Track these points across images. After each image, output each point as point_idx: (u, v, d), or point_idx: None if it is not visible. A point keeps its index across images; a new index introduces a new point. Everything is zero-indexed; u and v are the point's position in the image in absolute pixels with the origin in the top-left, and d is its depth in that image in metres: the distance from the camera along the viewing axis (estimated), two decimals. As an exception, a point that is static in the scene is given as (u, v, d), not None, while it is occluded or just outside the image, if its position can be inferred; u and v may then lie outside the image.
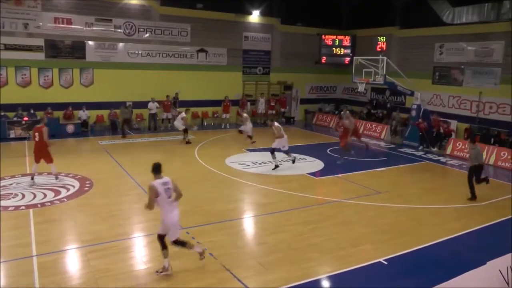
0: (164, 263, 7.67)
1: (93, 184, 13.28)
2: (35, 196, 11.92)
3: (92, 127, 22.96)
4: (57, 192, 12.27)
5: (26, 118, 20.60)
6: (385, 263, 8.44)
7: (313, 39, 28.39)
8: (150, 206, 7.29)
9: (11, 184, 12.91)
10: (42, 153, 13.31)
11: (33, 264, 7.93)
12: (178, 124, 19.83)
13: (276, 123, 15.74)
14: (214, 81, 25.78)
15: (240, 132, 20.25)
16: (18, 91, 21.32)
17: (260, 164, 16.32)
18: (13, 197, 11.70)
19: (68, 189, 12.63)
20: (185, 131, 19.87)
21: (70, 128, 21.65)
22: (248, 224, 10.90)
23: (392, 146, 21.66)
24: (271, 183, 13.90)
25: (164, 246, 7.59)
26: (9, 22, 20.89)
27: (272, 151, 15.43)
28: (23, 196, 11.89)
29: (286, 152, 15.91)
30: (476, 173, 12.36)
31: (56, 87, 22.24)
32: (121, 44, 23.28)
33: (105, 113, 23.10)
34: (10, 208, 10.91)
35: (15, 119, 20.54)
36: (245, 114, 20.83)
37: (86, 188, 12.93)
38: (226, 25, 25.83)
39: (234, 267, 8.06)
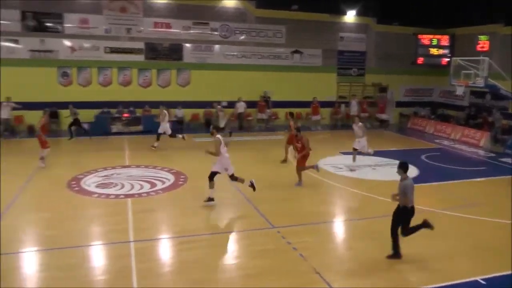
0: (210, 194, 10.74)
1: (187, 179, 13.89)
2: (133, 186, 12.80)
3: (188, 125, 23.67)
4: (153, 184, 13.03)
5: (126, 115, 22.18)
6: (483, 282, 7.77)
7: (409, 39, 27.22)
8: (218, 152, 10.70)
9: (112, 175, 13.99)
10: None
11: (130, 249, 8.53)
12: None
13: (360, 123, 15.62)
14: (308, 82, 25.65)
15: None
16: (119, 90, 23.03)
17: (354, 167, 15.93)
18: (114, 186, 12.73)
19: (163, 182, 13.34)
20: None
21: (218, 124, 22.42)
22: (338, 227, 10.79)
23: (492, 155, 19.95)
24: (362, 188, 13.53)
25: (212, 180, 10.76)
26: (114, 27, 22.54)
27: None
28: (123, 186, 12.83)
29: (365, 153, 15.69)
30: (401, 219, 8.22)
31: (154, 87, 23.62)
32: (217, 46, 24.00)
33: (200, 111, 23.77)
34: (111, 196, 11.92)
35: (116, 115, 22.20)
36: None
37: (181, 182, 13.56)
38: (321, 26, 25.65)
39: (323, 270, 7.95)
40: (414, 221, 8.33)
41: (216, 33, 23.80)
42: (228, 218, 10.98)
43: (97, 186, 12.76)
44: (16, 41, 21.78)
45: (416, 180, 14.29)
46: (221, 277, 7.71)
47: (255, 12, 24.22)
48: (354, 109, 26.08)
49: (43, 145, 14.99)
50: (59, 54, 22.33)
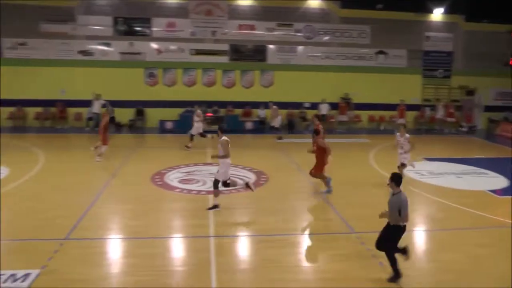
0: (215, 201, 10.34)
1: (268, 179, 13.64)
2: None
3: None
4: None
5: (209, 114, 22.33)
6: None
7: (501, 37, 25.79)
8: (228, 153, 10.14)
9: (194, 171, 14.23)
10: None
11: (209, 244, 8.61)
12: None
13: (407, 134, 12.96)
14: (391, 84, 24.87)
15: None
16: (203, 90, 23.50)
17: (437, 174, 14.89)
18: (195, 183, 12.89)
19: (244, 181, 13.00)
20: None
21: (248, 125, 22.39)
22: (420, 237, 9.94)
23: None
24: (446, 197, 12.42)
25: (217, 188, 10.19)
26: (200, 30, 23.14)
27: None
28: (204, 182, 12.86)
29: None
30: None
31: (238, 87, 23.90)
32: (300, 47, 23.98)
33: (282, 112, 23.56)
34: (193, 192, 12.09)
35: None
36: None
37: (262, 182, 13.34)
38: (406, 25, 24.91)
39: (404, 282, 7.29)
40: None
41: (300, 34, 23.79)
42: (307, 220, 10.70)
43: (179, 182, 12.98)
44: (108, 45, 22.90)
45: (506, 190, 13.19)
46: (296, 278, 7.39)
47: (340, 12, 24.04)
48: (440, 113, 24.96)
49: (104, 141, 15.54)
50: (147, 56, 23.25)
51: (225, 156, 10.28)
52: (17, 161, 15.14)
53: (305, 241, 9.22)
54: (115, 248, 8.70)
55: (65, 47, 23.04)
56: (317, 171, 11.90)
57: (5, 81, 22.18)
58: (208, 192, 11.73)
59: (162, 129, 22.37)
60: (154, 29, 23.10)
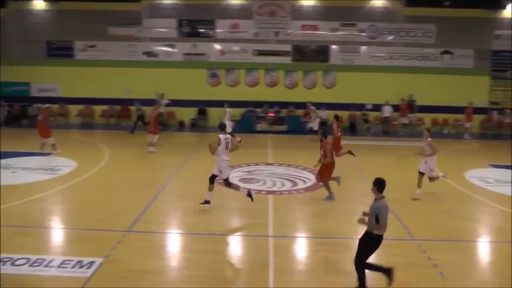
0: (207, 197, 10.29)
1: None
2: (274, 184, 12.91)
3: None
4: (294, 183, 12.96)
5: (271, 114, 22.71)
6: None
7: None
8: (213, 151, 10.10)
9: (255, 171, 14.32)
10: None
11: (268, 243, 8.64)
12: None
13: (429, 138, 11.90)
14: (456, 85, 23.95)
15: None
16: (265, 90, 23.72)
17: (504, 183, 13.91)
18: (256, 182, 12.97)
19: (305, 182, 13.16)
20: None
21: (309, 126, 22.34)
22: (484, 249, 9.43)
23: None
24: None
25: (212, 183, 10.28)
26: (263, 31, 23.34)
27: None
28: (265, 182, 13.03)
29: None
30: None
31: (300, 88, 23.91)
32: (363, 47, 23.67)
33: (345, 114, 23.36)
34: (253, 191, 11.83)
35: (261, 114, 22.89)
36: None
37: (322, 183, 12.91)
38: (474, 23, 23.70)
39: None
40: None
41: (363, 34, 23.50)
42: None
43: (240, 181, 12.98)
44: (172, 46, 23.46)
45: None
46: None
47: (404, 11, 23.55)
48: (509, 117, 23.96)
49: (154, 132, 16.74)
50: (210, 57, 23.73)
51: (211, 152, 10.49)
52: (84, 156, 16.12)
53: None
54: (175, 243, 9.00)
55: (131, 49, 23.88)
56: (324, 177, 11.51)
57: (76, 81, 23.66)
58: (268, 192, 11.95)
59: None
60: (218, 30, 23.55)
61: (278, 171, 14.28)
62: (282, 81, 23.72)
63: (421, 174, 11.76)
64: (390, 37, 23.68)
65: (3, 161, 15.21)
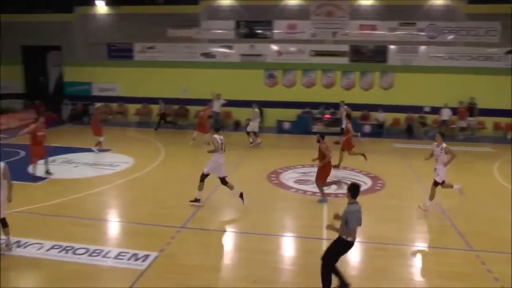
0: (197, 196, 10.55)
1: (384, 185, 13.50)
2: (329, 186, 12.60)
3: (388, 130, 23.23)
4: None
5: (327, 116, 22.71)
6: None
7: None
8: (213, 151, 10.46)
9: (310, 172, 14.34)
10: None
11: (321, 246, 8.46)
12: None
13: (444, 144, 10.89)
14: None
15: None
16: (322, 92, 23.78)
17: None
18: (311, 184, 12.94)
19: (360, 186, 12.81)
20: None
21: (366, 128, 22.34)
22: None
23: None
24: None
25: (203, 181, 10.57)
26: (320, 31, 23.33)
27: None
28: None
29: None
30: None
31: (357, 89, 23.77)
32: (422, 47, 23.25)
33: (401, 116, 23.17)
34: (308, 193, 12.40)
35: (318, 116, 22.96)
36: None
37: (377, 188, 13.27)
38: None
39: None
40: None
41: (422, 33, 23.06)
42: (422, 231, 10.28)
43: (295, 182, 13.32)
44: (229, 47, 23.75)
45: None
46: None
47: (466, 8, 22.81)
48: None
49: (203, 131, 18.22)
50: (267, 58, 23.90)
51: (214, 151, 10.81)
52: (141, 154, 17.14)
53: (418, 253, 9.01)
54: (228, 241, 9.24)
55: (189, 50, 24.48)
56: (320, 180, 11.50)
57: (135, 81, 24.85)
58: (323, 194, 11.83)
59: (279, 129, 23.01)
60: (275, 31, 23.71)
61: (333, 173, 13.89)
62: (339, 82, 23.68)
63: (436, 184, 10.85)
64: (451, 37, 23.09)
65: (66, 156, 16.43)
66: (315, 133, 21.48)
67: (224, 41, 24.14)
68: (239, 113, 23.94)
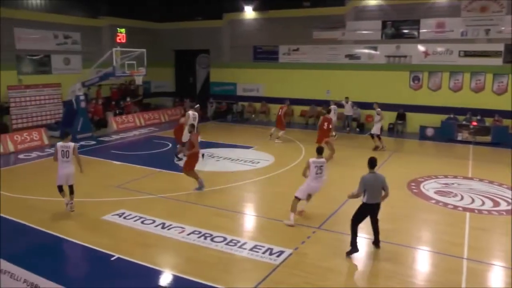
0: (291, 217, 10.01)
1: None
2: (473, 200, 12.26)
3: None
4: (496, 203, 12.06)
5: (474, 123, 21.51)
6: None
7: None
8: (304, 174, 10.12)
9: (453, 184, 13.80)
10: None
11: (462, 266, 8.23)
12: None
13: None
14: None
15: None
16: (470, 96, 22.71)
17: None
18: (453, 196, 12.52)
19: (508, 203, 12.04)
20: None
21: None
22: None
23: None
24: None
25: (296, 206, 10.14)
26: (471, 29, 22.46)
27: None
28: (462, 197, 12.47)
29: None
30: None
31: (509, 94, 22.00)
32: None
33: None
34: (449, 206, 11.78)
35: (464, 123, 21.86)
36: None
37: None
38: None
39: None
40: None
41: None
42: None
43: (436, 193, 12.85)
44: (374, 48, 24.08)
45: None
46: None
47: None
48: None
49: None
50: (412, 59, 23.67)
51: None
52: (282, 153, 18.10)
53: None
54: (360, 246, 8.71)
55: (333, 52, 25.38)
56: (186, 169, 12.54)
57: (278, 82, 26.64)
58: (465, 209, 11.47)
59: (422, 135, 22.25)
60: (422, 30, 23.34)
61: (479, 187, 13.51)
62: (490, 86, 22.47)
63: None
64: None
65: (209, 150, 18.07)
66: (460, 141, 21.05)
67: (370, 42, 24.46)
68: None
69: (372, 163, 8.37)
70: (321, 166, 10.16)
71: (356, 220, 8.46)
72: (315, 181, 10.17)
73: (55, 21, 24.02)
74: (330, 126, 16.25)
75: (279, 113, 20.43)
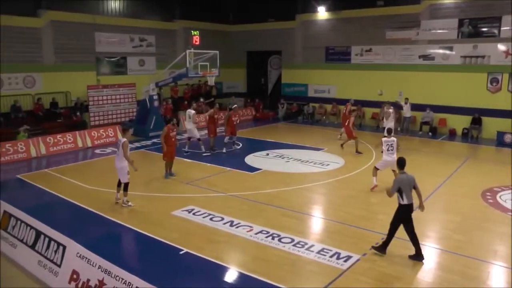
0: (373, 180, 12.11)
1: None
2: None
3: None
4: None
5: None
6: None
7: None
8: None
9: None
10: None
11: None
12: None
13: None
14: None
15: None
16: None
17: None
18: None
19: None
20: None
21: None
22: None
23: None
24: None
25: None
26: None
27: None
28: None
29: None
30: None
31: None
32: None
33: None
34: (508, 213, 11.47)
35: None
36: None
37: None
38: None
39: None
40: None
41: None
42: None
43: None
44: (450, 48, 23.77)
45: None
46: None
47: None
48: None
49: (350, 135, 18.55)
50: (491, 59, 22.95)
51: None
52: (352, 156, 17.98)
53: None
54: (428, 256, 8.70)
55: (406, 52, 25.31)
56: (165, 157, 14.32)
57: (350, 83, 27.11)
58: None
59: (499, 141, 21.44)
60: (503, 28, 22.34)
61: None
62: None
63: None
64: None
65: (279, 151, 18.70)
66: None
67: (445, 41, 24.05)
68: (454, 121, 23.77)
69: (401, 163, 8.77)
70: (392, 144, 12.66)
71: (398, 223, 8.62)
72: (388, 156, 12.62)
73: (132, 25, 26.49)
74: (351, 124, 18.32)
75: (344, 111, 21.11)
